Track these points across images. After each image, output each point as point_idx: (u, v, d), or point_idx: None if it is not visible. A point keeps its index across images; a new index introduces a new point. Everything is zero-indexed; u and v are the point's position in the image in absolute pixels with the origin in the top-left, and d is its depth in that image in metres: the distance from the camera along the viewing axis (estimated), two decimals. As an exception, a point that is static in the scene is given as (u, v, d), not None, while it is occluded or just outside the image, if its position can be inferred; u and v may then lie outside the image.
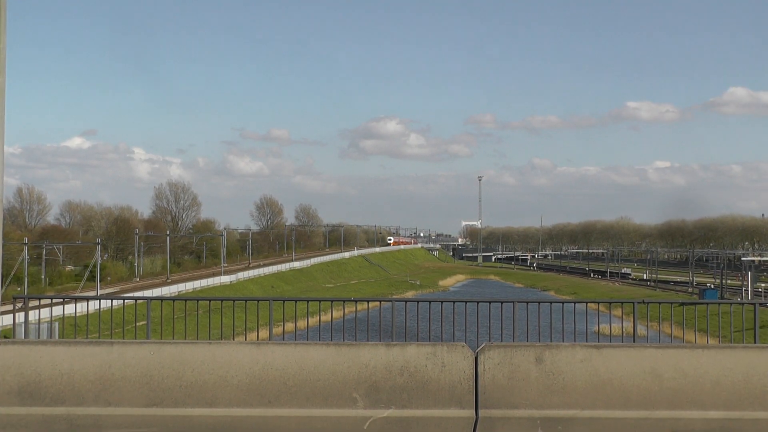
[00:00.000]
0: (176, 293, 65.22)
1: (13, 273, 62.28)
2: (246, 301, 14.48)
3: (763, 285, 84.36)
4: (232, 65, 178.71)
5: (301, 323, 14.10)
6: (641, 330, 14.66)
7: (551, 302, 15.55)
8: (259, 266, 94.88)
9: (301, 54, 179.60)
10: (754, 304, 12.81)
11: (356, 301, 14.15)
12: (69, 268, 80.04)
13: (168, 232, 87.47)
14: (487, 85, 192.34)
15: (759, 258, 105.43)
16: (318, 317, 12.60)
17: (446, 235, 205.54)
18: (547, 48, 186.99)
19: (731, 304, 13.33)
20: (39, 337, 13.31)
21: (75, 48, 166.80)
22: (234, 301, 14.92)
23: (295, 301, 14.38)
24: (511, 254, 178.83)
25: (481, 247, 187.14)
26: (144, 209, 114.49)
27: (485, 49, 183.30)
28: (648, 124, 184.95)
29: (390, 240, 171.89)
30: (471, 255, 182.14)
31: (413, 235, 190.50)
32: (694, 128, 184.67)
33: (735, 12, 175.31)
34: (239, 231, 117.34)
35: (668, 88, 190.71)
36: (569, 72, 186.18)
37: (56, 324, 14.79)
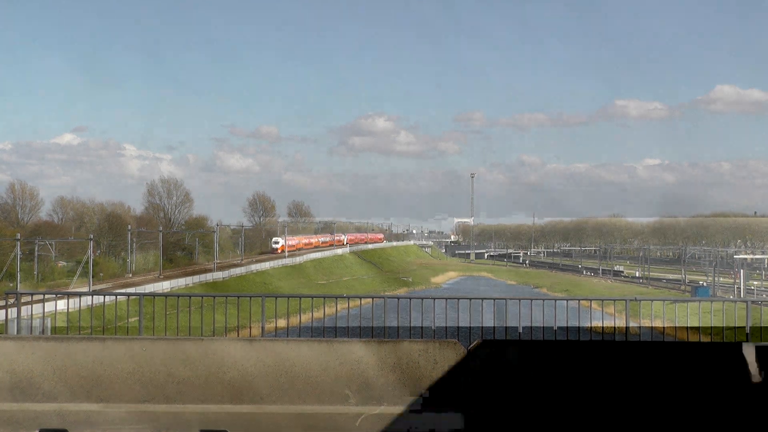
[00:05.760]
0: (168, 289, 65.18)
1: (5, 269, 62.19)
2: (238, 297, 14.49)
3: (755, 283, 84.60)
4: (221, 62, 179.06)
5: (294, 320, 14.08)
6: (633, 327, 14.71)
7: (543, 299, 15.60)
8: (251, 263, 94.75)
9: (289, 51, 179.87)
10: (746, 302, 12.91)
11: (348, 298, 14.16)
12: (61, 264, 79.83)
13: (160, 228, 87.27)
14: (476, 82, 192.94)
15: (751, 255, 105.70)
16: (310, 314, 12.61)
17: (438, 232, 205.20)
18: (535, 45, 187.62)
19: (723, 301, 13.41)
20: (31, 333, 13.30)
21: (65, 44, 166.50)
22: (226, 297, 14.92)
23: (288, 297, 14.38)
24: (504, 251, 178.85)
25: (474, 244, 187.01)
26: (136, 205, 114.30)
27: (473, 46, 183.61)
28: (636, 121, 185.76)
29: (277, 244, 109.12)
30: (463, 252, 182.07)
31: (406, 231, 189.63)
32: (682, 126, 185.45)
33: (723, 10, 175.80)
34: (231, 227, 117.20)
35: (656, 85, 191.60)
36: (557, 70, 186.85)
37: (48, 320, 14.77)
